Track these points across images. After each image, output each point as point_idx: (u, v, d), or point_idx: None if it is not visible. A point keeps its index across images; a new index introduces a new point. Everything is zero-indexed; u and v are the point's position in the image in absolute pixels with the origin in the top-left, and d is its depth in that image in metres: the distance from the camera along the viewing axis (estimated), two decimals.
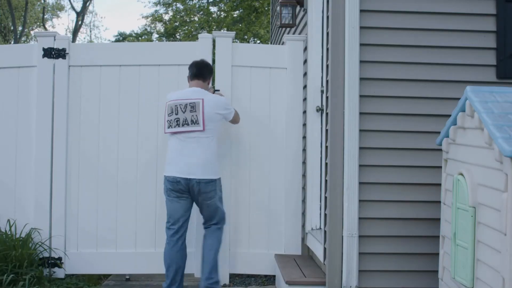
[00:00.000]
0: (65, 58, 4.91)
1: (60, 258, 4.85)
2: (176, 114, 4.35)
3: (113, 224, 4.92)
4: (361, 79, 3.83)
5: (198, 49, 4.91)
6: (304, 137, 5.07)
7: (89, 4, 26.55)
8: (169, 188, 4.36)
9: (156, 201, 4.90)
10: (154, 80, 4.96)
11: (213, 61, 4.99)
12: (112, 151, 4.93)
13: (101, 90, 4.96)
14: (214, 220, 4.49)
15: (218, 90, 4.86)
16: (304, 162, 5.07)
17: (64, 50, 4.91)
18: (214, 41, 5.00)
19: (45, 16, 28.00)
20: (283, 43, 5.11)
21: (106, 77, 4.96)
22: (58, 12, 29.21)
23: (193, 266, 4.81)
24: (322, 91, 4.80)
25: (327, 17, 4.10)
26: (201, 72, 4.52)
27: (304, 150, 5.08)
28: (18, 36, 23.83)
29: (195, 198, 4.39)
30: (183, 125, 4.33)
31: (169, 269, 4.38)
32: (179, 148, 4.35)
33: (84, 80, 4.96)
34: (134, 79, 4.96)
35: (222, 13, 20.32)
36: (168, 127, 4.38)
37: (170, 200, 4.40)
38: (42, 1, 27.44)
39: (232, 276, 5.02)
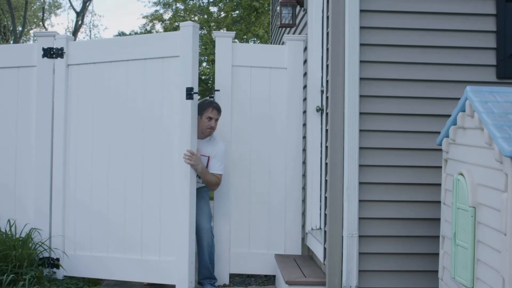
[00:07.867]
0: (63, 57, 4.87)
1: (58, 259, 4.84)
2: None
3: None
4: (361, 79, 3.83)
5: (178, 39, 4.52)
6: (304, 137, 5.07)
7: (89, 4, 26.56)
8: None
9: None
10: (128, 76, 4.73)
11: (213, 61, 4.97)
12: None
13: (97, 88, 4.82)
14: None
15: (218, 90, 4.86)
16: (304, 162, 5.07)
17: (62, 49, 4.88)
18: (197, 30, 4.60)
19: (44, 15, 28.00)
20: (283, 43, 5.11)
21: (100, 73, 4.81)
22: (57, 11, 29.20)
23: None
24: (322, 91, 4.80)
25: (327, 17, 4.10)
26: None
27: (304, 150, 5.07)
28: (18, 36, 23.82)
29: None
30: None
31: None
32: None
33: (81, 78, 4.86)
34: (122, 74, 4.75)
35: (222, 13, 20.29)
36: None
37: None
38: (42, 1, 27.43)
39: (232, 276, 5.02)
